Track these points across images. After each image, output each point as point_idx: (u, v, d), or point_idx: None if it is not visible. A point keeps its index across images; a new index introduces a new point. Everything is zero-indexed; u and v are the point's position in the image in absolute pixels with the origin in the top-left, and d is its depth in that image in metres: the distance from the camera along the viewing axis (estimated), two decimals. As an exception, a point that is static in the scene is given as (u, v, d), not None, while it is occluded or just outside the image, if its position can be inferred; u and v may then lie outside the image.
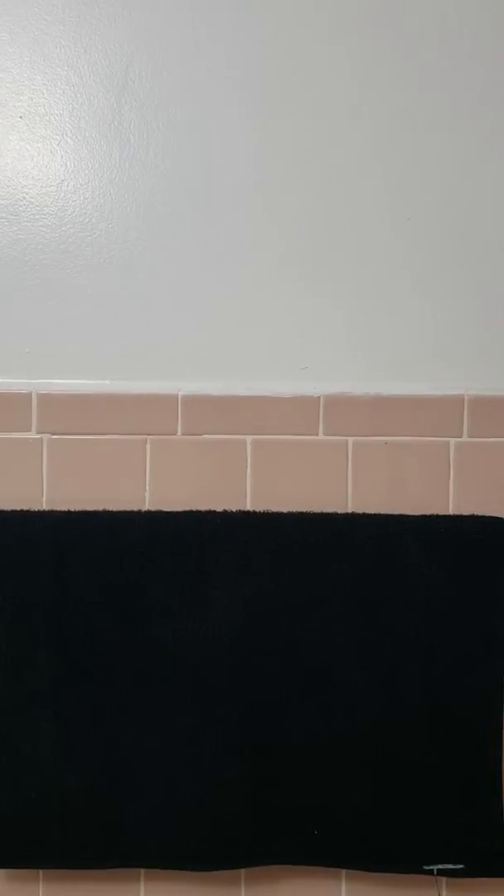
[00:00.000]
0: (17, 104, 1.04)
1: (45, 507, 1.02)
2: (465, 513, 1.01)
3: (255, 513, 1.00)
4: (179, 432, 1.03)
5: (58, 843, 0.97)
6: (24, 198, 1.04)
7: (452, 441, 1.03)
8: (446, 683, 0.98)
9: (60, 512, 0.99)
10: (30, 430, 1.03)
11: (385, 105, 1.04)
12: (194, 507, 0.99)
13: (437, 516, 1.00)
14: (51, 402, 1.03)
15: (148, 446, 1.03)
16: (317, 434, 1.03)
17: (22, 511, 0.99)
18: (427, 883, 1.00)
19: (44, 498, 1.02)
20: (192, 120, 1.04)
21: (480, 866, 0.98)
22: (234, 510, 1.00)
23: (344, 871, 1.01)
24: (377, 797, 0.97)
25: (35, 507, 1.01)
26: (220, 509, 0.99)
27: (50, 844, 0.98)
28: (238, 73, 1.04)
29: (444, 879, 1.01)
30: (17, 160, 1.04)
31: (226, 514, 0.99)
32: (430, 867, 0.97)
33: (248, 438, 1.03)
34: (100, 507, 0.99)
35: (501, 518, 0.99)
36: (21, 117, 1.04)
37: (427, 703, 0.98)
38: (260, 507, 1.01)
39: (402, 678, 0.98)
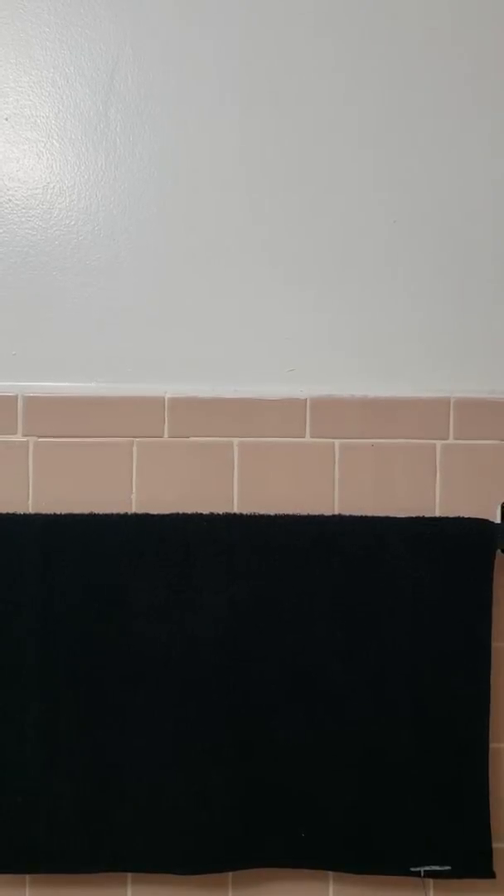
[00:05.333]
0: (2, 106, 1.04)
1: (31, 510, 1.01)
2: (451, 514, 1.02)
3: (241, 515, 1.00)
4: (166, 434, 1.03)
5: (44, 847, 0.97)
6: (10, 200, 1.04)
7: (438, 443, 1.03)
8: (432, 685, 0.98)
9: (47, 515, 0.99)
10: (16, 433, 1.02)
11: (372, 108, 1.04)
12: (181, 510, 0.99)
13: (424, 518, 1.00)
14: (37, 405, 1.02)
15: (134, 449, 1.03)
16: (303, 436, 1.03)
17: (8, 514, 0.99)
18: (414, 884, 1.00)
19: (30, 501, 1.02)
20: (178, 122, 1.04)
21: (467, 867, 0.98)
22: (221, 512, 1.00)
23: (331, 873, 1.01)
24: (364, 799, 0.97)
25: (21, 511, 1.00)
26: (206, 512, 0.99)
27: (36, 849, 0.97)
28: (225, 74, 1.04)
29: (431, 881, 1.01)
30: (3, 162, 1.04)
31: (212, 517, 0.99)
32: (417, 869, 0.97)
33: (235, 441, 1.03)
34: (86, 510, 0.99)
35: (487, 520, 1.00)
36: (6, 119, 1.04)
37: (413, 705, 0.98)
38: (247, 510, 1.01)
39: (388, 680, 0.98)
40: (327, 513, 1.01)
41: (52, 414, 1.02)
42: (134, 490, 1.02)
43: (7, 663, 0.97)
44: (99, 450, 1.02)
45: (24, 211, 1.04)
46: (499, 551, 0.99)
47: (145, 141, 1.04)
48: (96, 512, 0.99)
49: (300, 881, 1.01)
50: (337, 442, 1.03)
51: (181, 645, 0.97)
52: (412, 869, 0.97)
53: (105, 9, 1.04)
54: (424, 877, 0.98)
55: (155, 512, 0.99)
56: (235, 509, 1.02)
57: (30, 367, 1.04)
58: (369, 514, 1.00)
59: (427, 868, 0.97)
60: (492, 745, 0.99)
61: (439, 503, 1.03)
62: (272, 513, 0.99)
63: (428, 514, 1.01)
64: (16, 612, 0.97)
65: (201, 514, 0.99)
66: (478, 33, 1.04)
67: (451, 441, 1.03)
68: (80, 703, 0.97)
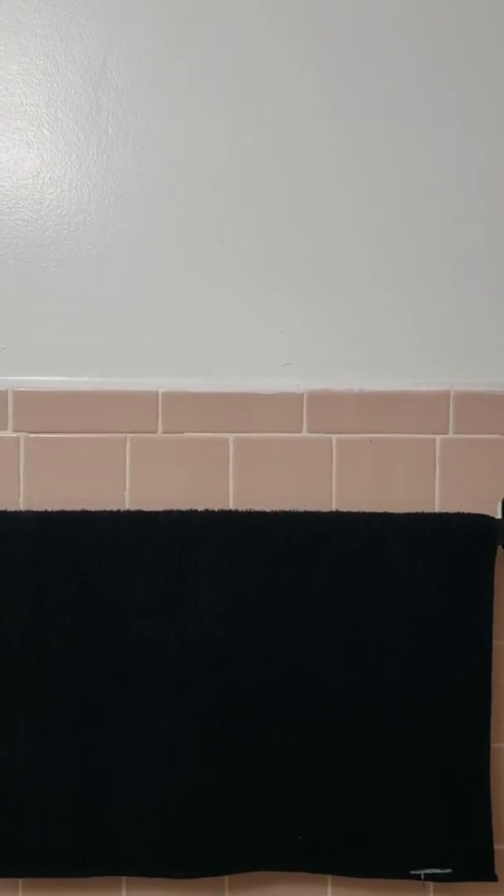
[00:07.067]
0: (-9, 95, 1.02)
1: (22, 507, 1.00)
2: (451, 510, 1.00)
3: (237, 512, 0.98)
4: (160, 430, 1.01)
5: (36, 850, 0.96)
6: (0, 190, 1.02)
7: (438, 437, 1.01)
8: (432, 684, 0.96)
9: (38, 512, 0.97)
10: (6, 429, 1.01)
11: (365, 99, 1.02)
12: (175, 507, 0.98)
13: (423, 514, 0.98)
14: (28, 400, 1.01)
15: (128, 444, 1.01)
16: (300, 431, 1.01)
17: (-2, 511, 0.97)
18: (414, 888, 0.99)
19: (21, 497, 1.00)
20: (170, 111, 1.02)
21: (468, 870, 0.96)
22: (216, 509, 0.98)
23: (330, 876, 0.99)
24: (363, 801, 0.96)
25: (12, 508, 0.99)
26: (201, 508, 0.98)
27: (28, 852, 0.96)
28: (217, 64, 1.02)
29: (431, 884, 0.99)
30: (-8, 152, 1.02)
31: (207, 514, 0.97)
32: (417, 872, 0.95)
33: (231, 436, 1.01)
34: (78, 507, 0.97)
35: (487, 515, 0.98)
36: (-5, 108, 1.02)
37: (413, 705, 0.96)
38: (243, 506, 0.99)
39: (387, 679, 0.96)
40: (324, 509, 1.00)
41: (43, 409, 1.01)
42: (127, 487, 1.01)
43: (-2, 663, 0.96)
44: (91, 446, 1.01)
45: (14, 202, 1.02)
46: (500, 547, 0.98)
47: (137, 130, 1.02)
48: (89, 509, 0.97)
49: (298, 884, 0.99)
50: (334, 437, 1.01)
51: (175, 643, 0.96)
52: (412, 872, 0.96)
53: (96, -5, 1.02)
54: (425, 880, 0.96)
55: (149, 509, 0.97)
56: (231, 506, 1.00)
57: (20, 361, 1.02)
58: (367, 510, 0.98)
59: (427, 871, 0.96)
60: (493, 746, 0.97)
61: (439, 499, 1.01)
62: (268, 509, 0.98)
63: (427, 510, 1.00)
64: (7, 611, 0.96)
65: (196, 510, 0.97)
66: (465, 33, 1.02)
67: (450, 435, 1.01)
68: (72, 703, 0.96)
